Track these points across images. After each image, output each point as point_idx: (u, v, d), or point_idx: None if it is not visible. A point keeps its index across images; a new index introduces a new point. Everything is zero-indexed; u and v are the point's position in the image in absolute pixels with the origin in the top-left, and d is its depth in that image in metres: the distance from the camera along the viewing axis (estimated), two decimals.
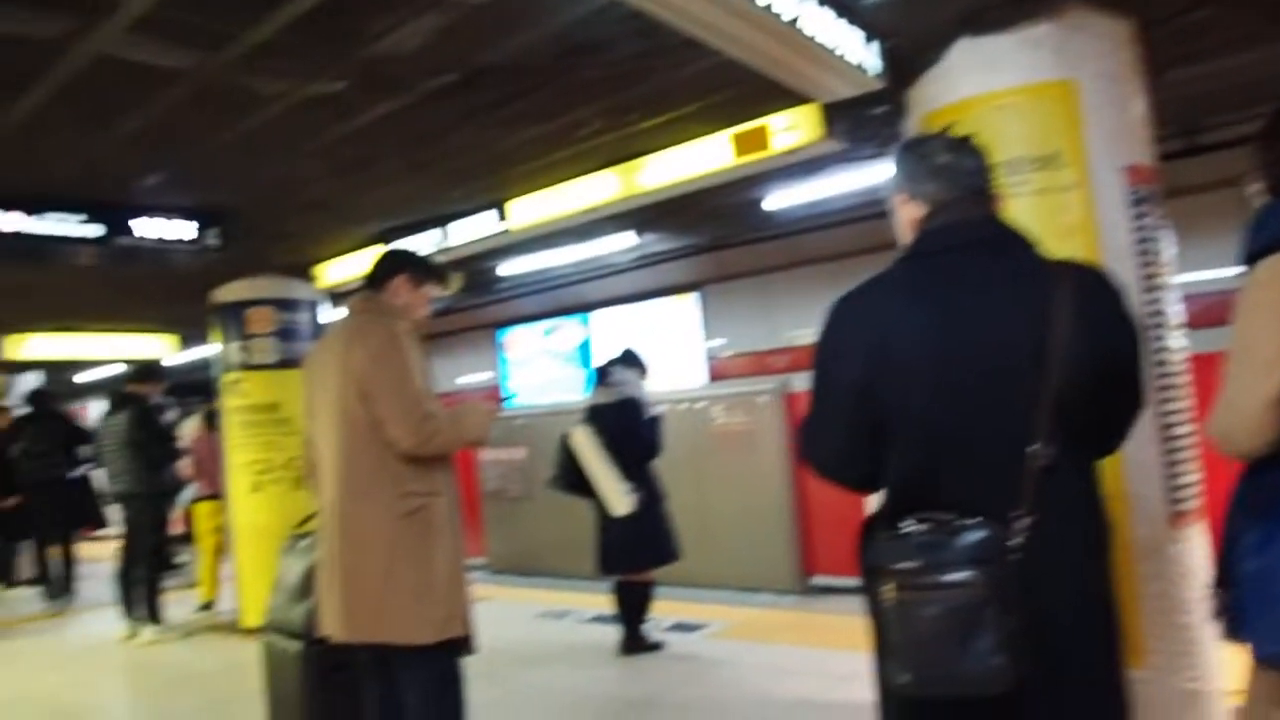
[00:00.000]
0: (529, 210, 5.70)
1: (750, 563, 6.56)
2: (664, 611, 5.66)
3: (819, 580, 6.44)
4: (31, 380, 11.51)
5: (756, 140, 4.41)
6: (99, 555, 9.98)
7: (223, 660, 5.96)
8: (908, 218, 1.85)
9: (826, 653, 4.86)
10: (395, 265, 3.05)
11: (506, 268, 8.13)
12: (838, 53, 3.20)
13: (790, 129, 4.32)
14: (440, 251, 6.21)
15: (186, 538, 8.39)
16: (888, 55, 3.53)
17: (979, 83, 3.18)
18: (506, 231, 5.85)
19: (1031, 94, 3.11)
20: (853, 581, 5.74)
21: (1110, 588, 1.70)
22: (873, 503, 1.82)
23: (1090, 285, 1.69)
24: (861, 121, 4.35)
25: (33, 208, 4.96)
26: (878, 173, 5.52)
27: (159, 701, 5.27)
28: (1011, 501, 1.59)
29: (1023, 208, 2.98)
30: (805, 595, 6.40)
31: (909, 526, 1.64)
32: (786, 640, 5.20)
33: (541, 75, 3.97)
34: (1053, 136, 3.07)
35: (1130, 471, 2.92)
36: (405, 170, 5.15)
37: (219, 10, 3.32)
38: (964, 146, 1.82)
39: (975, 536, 1.58)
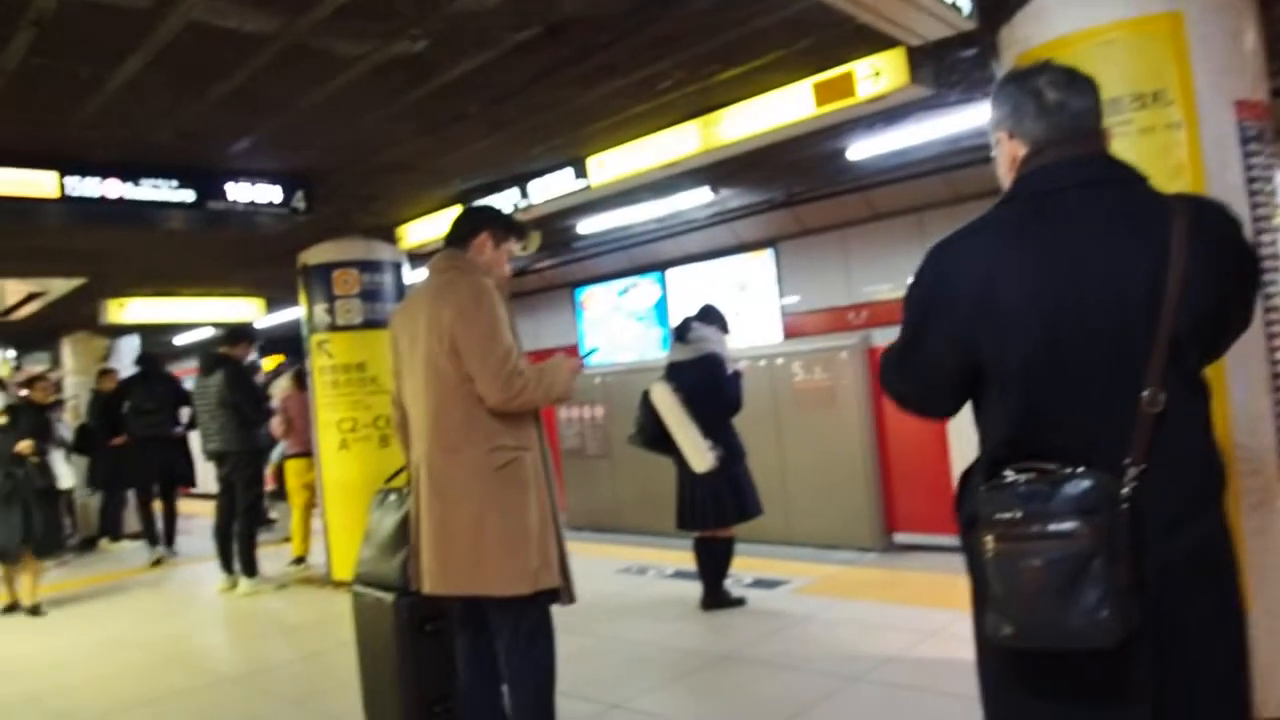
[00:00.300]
0: (608, 166, 5.67)
1: (831, 519, 6.51)
2: (745, 568, 5.67)
3: (901, 537, 6.37)
4: (133, 344, 11.99)
5: (839, 88, 4.30)
6: (198, 511, 10.45)
7: (315, 612, 6.18)
8: (1009, 157, 1.76)
9: (911, 609, 4.82)
10: (477, 223, 3.07)
11: (585, 226, 8.13)
12: None
13: (874, 75, 4.20)
14: (520, 210, 6.24)
15: (278, 494, 8.70)
16: None
17: (1079, 18, 3.03)
18: (586, 188, 5.84)
19: (1135, 28, 2.95)
20: (936, 538, 5.68)
21: (1226, 538, 1.63)
22: (961, 454, 1.77)
23: (1209, 218, 1.59)
24: (949, 65, 4.21)
25: (130, 174, 5.13)
26: (963, 120, 5.34)
27: (257, 650, 5.51)
28: (1121, 449, 1.53)
29: (1125, 148, 2.84)
30: (887, 552, 6.33)
31: (1011, 476, 1.59)
32: (870, 597, 5.16)
33: (621, 27, 3.92)
34: (1158, 72, 2.92)
35: (1240, 422, 2.80)
36: (485, 129, 5.17)
37: None
38: (1074, 80, 1.72)
39: (1082, 486, 1.52)
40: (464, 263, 2.99)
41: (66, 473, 6.99)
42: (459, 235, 3.06)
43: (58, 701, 4.57)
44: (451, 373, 2.79)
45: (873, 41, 3.80)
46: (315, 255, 6.99)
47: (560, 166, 5.95)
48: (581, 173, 5.84)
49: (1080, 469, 1.53)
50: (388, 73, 4.23)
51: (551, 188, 6.06)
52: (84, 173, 5.00)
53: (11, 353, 11.57)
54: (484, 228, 3.05)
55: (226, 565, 6.95)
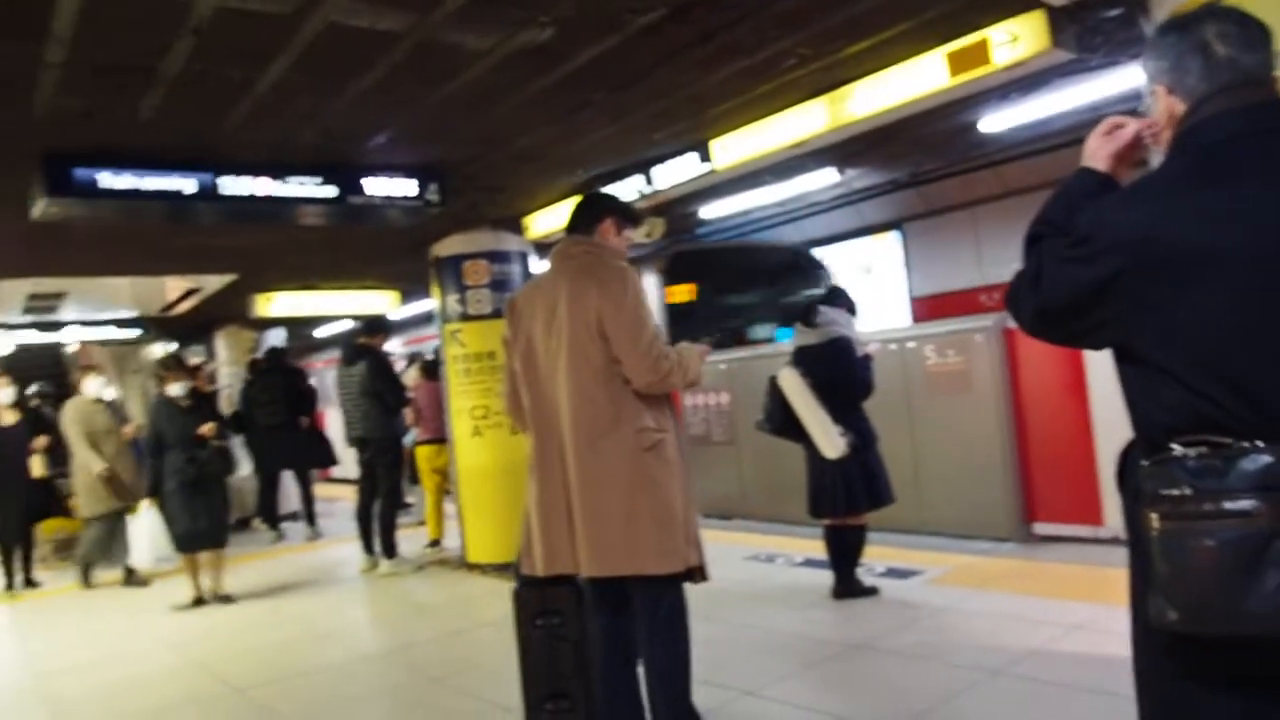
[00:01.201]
0: (732, 149, 5.62)
1: (967, 508, 6.29)
2: (877, 557, 5.55)
3: (1041, 528, 6.10)
4: (277, 336, 12.66)
5: (975, 56, 4.13)
6: (340, 494, 10.96)
7: (450, 593, 6.39)
8: (1167, 113, 1.62)
9: (1052, 602, 4.61)
10: (600, 209, 3.11)
11: (708, 210, 8.10)
12: None
13: (1012, 41, 4.01)
14: (644, 196, 6.27)
15: (412, 479, 9.02)
16: None
17: None
18: (710, 172, 5.81)
19: None
20: (1079, 529, 5.38)
21: None
22: (1108, 441, 1.64)
23: None
24: (1092, 26, 3.99)
25: (277, 172, 5.40)
26: (1107, 85, 5.05)
27: (398, 628, 5.73)
28: None
29: None
30: (1026, 543, 6.07)
31: (1178, 450, 1.48)
32: (1009, 588, 4.96)
33: (745, 6, 3.88)
34: None
35: None
36: (610, 115, 5.21)
37: None
38: (1245, 29, 1.56)
39: (1261, 461, 1.40)
40: (598, 247, 3.02)
41: (243, 458, 7.07)
42: (582, 222, 3.09)
43: (226, 668, 4.87)
44: (598, 355, 2.82)
45: (1009, 4, 3.64)
46: (446, 247, 7.19)
47: (683, 151, 5.95)
48: (705, 156, 5.81)
49: (1259, 443, 1.41)
50: (515, 63, 4.31)
51: (675, 173, 6.06)
52: (236, 172, 5.29)
53: (173, 345, 12.41)
54: (606, 214, 3.08)
55: (368, 546, 7.25)
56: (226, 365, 12.32)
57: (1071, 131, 6.43)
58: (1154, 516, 1.48)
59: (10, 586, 7.52)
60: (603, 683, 3.08)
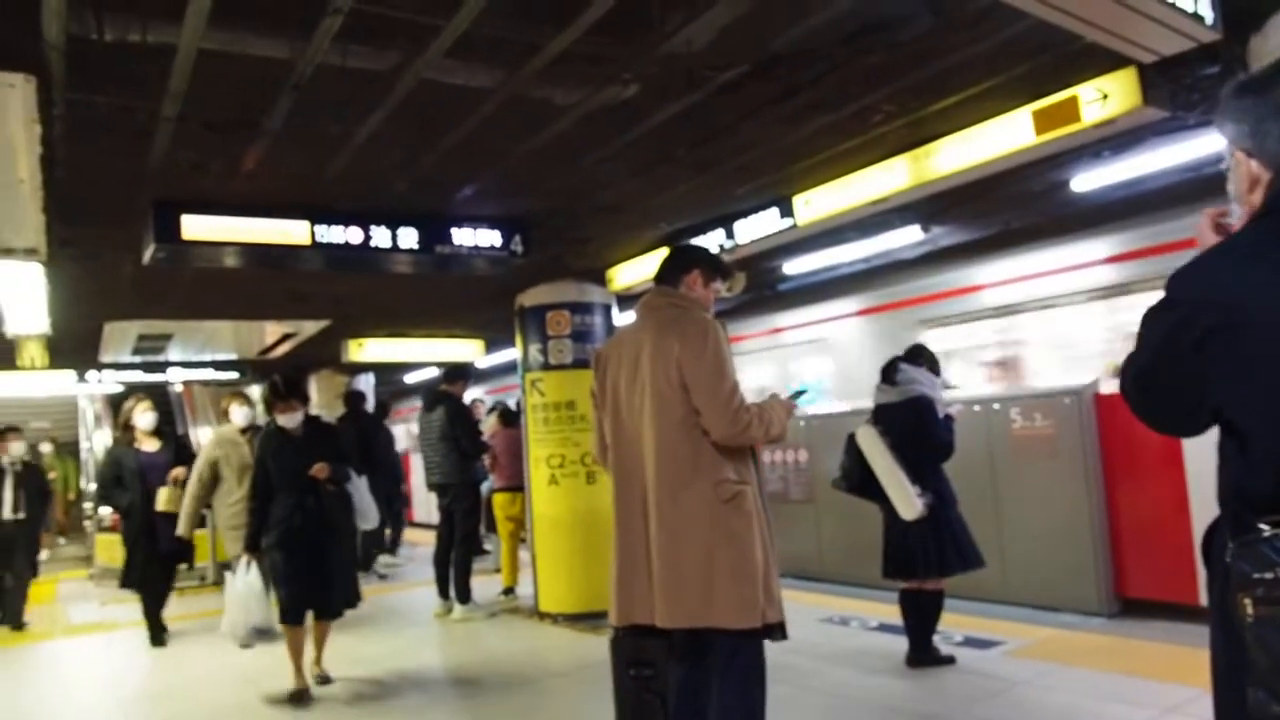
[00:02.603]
0: (815, 204, 5.62)
1: (1052, 578, 6.03)
2: (955, 624, 5.34)
3: (1132, 602, 5.80)
4: (366, 381, 13.03)
5: (1063, 114, 4.06)
6: (418, 539, 11.11)
7: (523, 642, 6.37)
8: (1247, 178, 1.55)
9: (1143, 681, 4.35)
10: (688, 261, 3.12)
11: (791, 266, 8.09)
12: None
13: (1101, 99, 3.94)
14: (725, 251, 6.30)
15: (489, 525, 9.07)
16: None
17: None
18: (792, 227, 5.81)
19: None
20: (1173, 604, 5.04)
21: None
22: (1203, 511, 1.55)
23: None
24: (1187, 84, 3.90)
25: (369, 221, 5.61)
26: (1208, 144, 4.90)
27: (469, 674, 5.72)
28: None
29: None
30: (1116, 617, 5.78)
31: (1267, 530, 1.39)
32: (1095, 665, 4.72)
33: (829, 61, 3.92)
34: None
35: None
36: (692, 170, 5.28)
37: (524, 23, 3.57)
38: None
39: None
40: (683, 299, 3.03)
41: (371, 509, 5.58)
42: (670, 273, 3.10)
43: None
44: (678, 406, 2.82)
45: (1100, 62, 3.58)
46: (531, 297, 7.32)
47: (766, 206, 5.97)
48: (787, 211, 5.82)
49: None
50: (599, 119, 4.42)
51: (757, 228, 6.08)
52: (331, 221, 5.51)
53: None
54: (694, 266, 3.09)
55: (443, 591, 7.30)
56: (319, 409, 12.71)
57: (1171, 191, 6.24)
58: (1247, 602, 1.39)
59: (157, 640, 6.73)
60: None
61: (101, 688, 5.81)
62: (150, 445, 6.79)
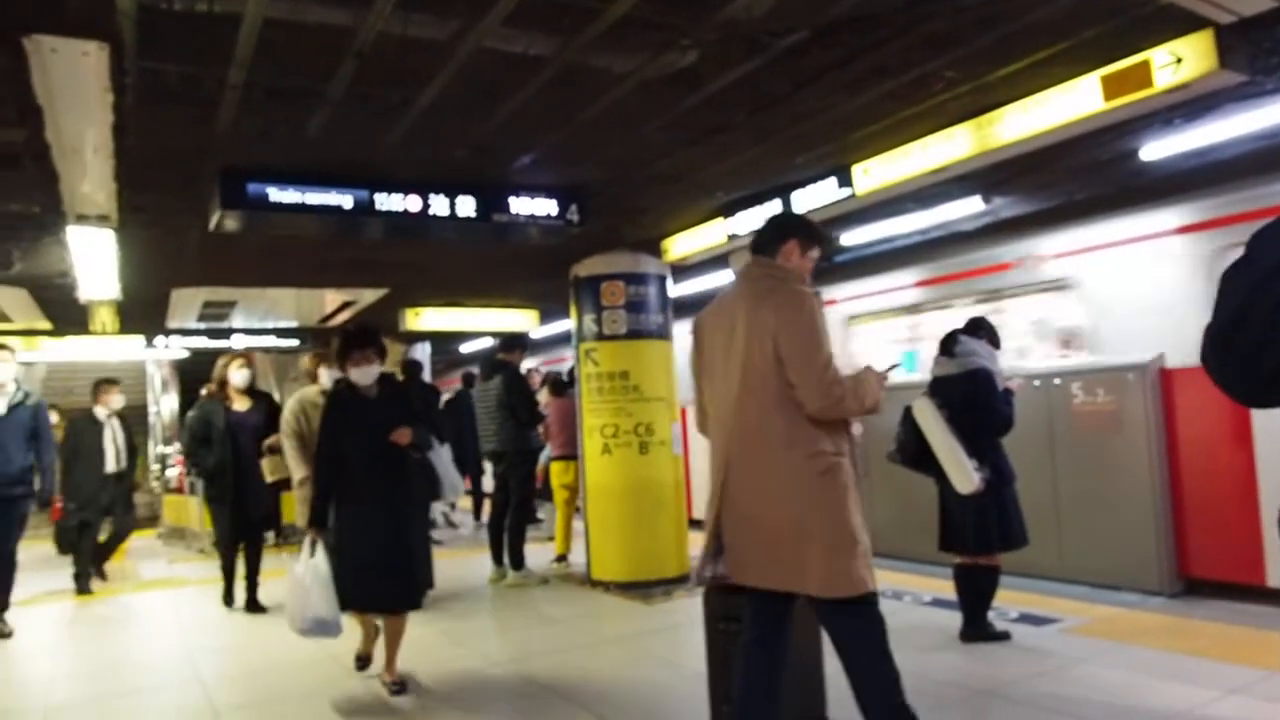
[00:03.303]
0: (874, 174, 5.54)
1: (1112, 557, 5.92)
2: (1010, 601, 5.30)
3: (1195, 582, 5.69)
4: (422, 351, 13.20)
5: (1133, 79, 3.93)
6: (465, 505, 11.28)
7: (574, 608, 6.45)
8: None
9: (1205, 662, 4.28)
10: (785, 230, 3.11)
11: (848, 237, 7.99)
12: None
13: (1175, 63, 3.81)
14: None
15: (544, 494, 9.17)
16: None
17: None
18: (850, 197, 5.73)
19: None
20: (1239, 584, 4.92)
21: None
22: (1273, 491, 1.51)
23: None
24: (1266, 47, 3.74)
25: (428, 189, 5.67)
26: None
27: (521, 638, 5.82)
28: None
29: None
30: (1177, 597, 5.67)
31: None
32: (1155, 644, 4.64)
33: (892, 27, 3.84)
34: None
35: None
36: (751, 138, 5.23)
37: None
38: None
39: None
40: (779, 270, 3.02)
41: (457, 481, 5.04)
42: (767, 242, 3.09)
43: (349, 660, 5.07)
44: (774, 378, 2.84)
45: (1175, 24, 3.46)
46: (586, 267, 7.35)
47: (824, 176, 5.90)
48: (846, 181, 5.74)
49: None
50: (657, 86, 4.40)
51: (815, 198, 6.01)
52: (390, 189, 5.58)
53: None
54: (791, 235, 3.07)
55: (497, 557, 7.42)
56: None
57: (1246, 160, 6.02)
58: None
59: (231, 602, 6.69)
60: (740, 692, 3.05)
61: (172, 640, 6.04)
62: (241, 404, 6.64)
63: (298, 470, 5.58)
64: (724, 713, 3.34)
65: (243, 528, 6.62)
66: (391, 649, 4.56)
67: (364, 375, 4.35)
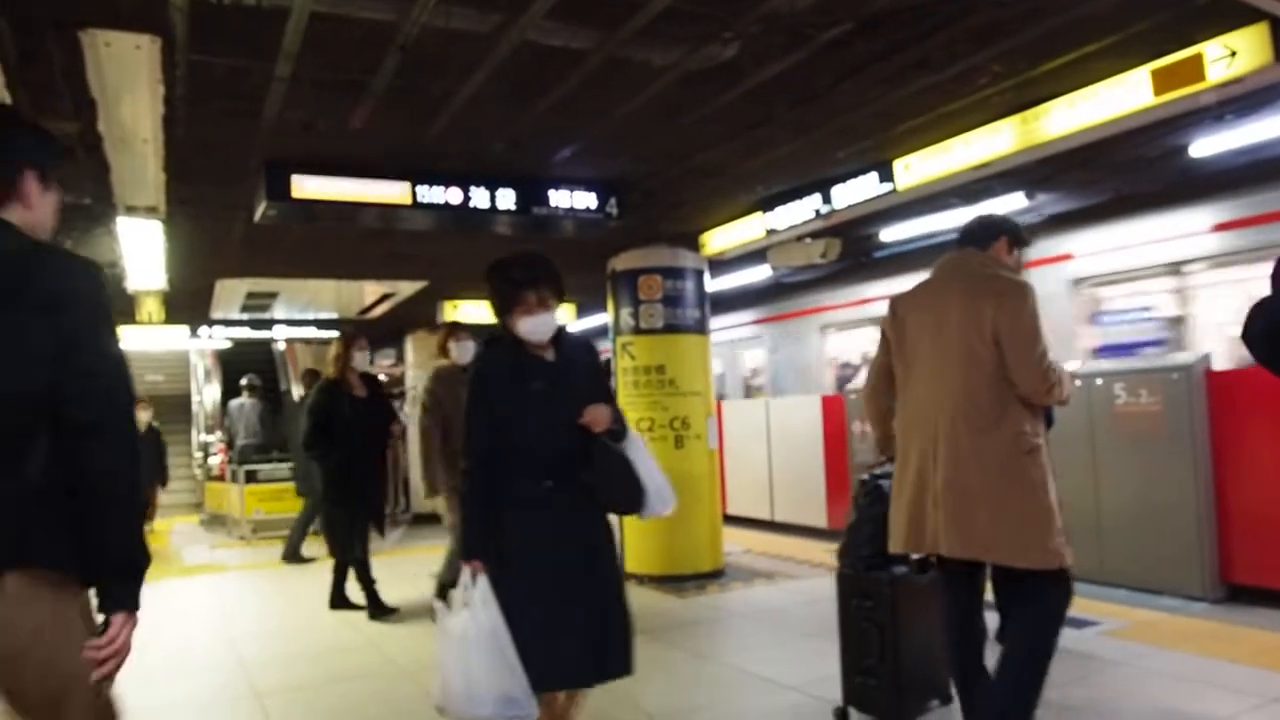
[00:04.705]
0: (916, 169, 5.49)
1: (1153, 560, 5.83)
2: None
3: (1240, 588, 5.58)
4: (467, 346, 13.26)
5: (1184, 73, 3.86)
6: None
7: None
8: None
9: (1248, 669, 4.20)
10: (997, 228, 3.33)
11: (888, 233, 7.93)
12: None
13: (1228, 57, 3.73)
14: (822, 216, 6.21)
15: None
16: None
17: None
18: (892, 192, 5.69)
19: None
20: None
21: None
22: None
23: None
24: None
25: (469, 182, 5.71)
26: None
27: None
28: None
29: None
30: (1221, 603, 5.57)
31: None
32: (1196, 649, 4.57)
33: (936, 19, 3.80)
34: None
35: None
36: (791, 132, 5.21)
37: None
38: None
39: None
40: (997, 263, 3.23)
41: (666, 488, 3.54)
42: (979, 239, 3.31)
43: (393, 648, 5.14)
44: (989, 360, 3.03)
45: (1228, 17, 3.39)
46: (624, 261, 7.37)
47: (865, 170, 5.85)
48: (887, 176, 5.69)
49: None
50: (698, 79, 4.39)
51: (855, 192, 5.97)
52: (432, 181, 5.63)
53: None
54: (1002, 234, 3.31)
55: None
56: (413, 369, 13.05)
57: None
58: None
59: (380, 611, 5.99)
60: (952, 649, 3.39)
61: (215, 624, 6.15)
62: (361, 391, 6.05)
63: (438, 470, 5.03)
64: (857, 684, 3.76)
65: (361, 528, 6.05)
66: None
67: (538, 327, 2.92)
